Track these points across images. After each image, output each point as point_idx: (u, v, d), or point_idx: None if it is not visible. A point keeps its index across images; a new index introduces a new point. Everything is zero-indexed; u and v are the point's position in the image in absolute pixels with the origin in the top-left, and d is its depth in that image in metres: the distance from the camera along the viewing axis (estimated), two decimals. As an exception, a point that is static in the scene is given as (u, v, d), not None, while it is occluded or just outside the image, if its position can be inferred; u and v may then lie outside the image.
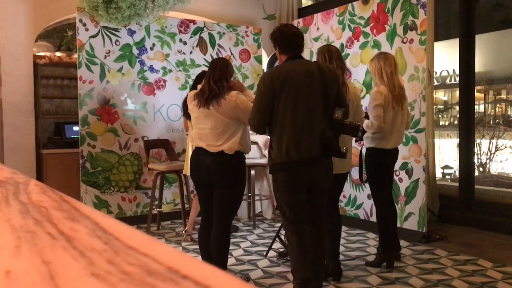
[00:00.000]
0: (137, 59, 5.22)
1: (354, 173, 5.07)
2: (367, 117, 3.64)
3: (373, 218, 3.93)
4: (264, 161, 5.03)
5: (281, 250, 4.08)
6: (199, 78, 4.37)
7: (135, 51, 5.20)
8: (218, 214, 3.12)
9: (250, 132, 3.17)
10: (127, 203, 5.17)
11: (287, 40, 2.85)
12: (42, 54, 5.68)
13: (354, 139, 3.61)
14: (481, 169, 5.98)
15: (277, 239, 4.10)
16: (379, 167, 3.72)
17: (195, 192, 4.62)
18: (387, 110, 3.59)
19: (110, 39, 5.05)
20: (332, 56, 3.27)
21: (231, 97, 3.00)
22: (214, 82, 3.03)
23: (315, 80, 2.75)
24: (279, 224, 4.25)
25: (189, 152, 4.37)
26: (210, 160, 3.04)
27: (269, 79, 2.76)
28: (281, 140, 2.75)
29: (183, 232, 4.57)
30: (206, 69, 4.63)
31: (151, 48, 5.30)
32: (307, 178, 2.81)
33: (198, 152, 3.11)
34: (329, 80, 2.79)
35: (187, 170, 4.41)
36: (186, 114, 4.37)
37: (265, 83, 2.76)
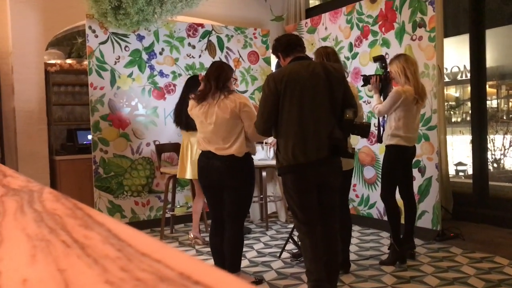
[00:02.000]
0: (147, 64, 5.25)
1: (367, 172, 5.06)
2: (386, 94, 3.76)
3: (387, 217, 3.93)
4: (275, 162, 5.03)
5: (294, 251, 4.07)
6: (191, 83, 4.39)
7: (144, 56, 5.23)
8: (231, 214, 3.14)
9: None
10: (140, 207, 5.20)
11: (285, 43, 2.90)
12: (53, 61, 5.74)
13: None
14: (495, 165, 5.92)
15: (290, 240, 4.10)
16: (395, 165, 3.76)
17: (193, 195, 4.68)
18: (411, 106, 3.65)
19: (120, 45, 5.09)
20: (330, 58, 3.30)
21: (238, 98, 3.06)
22: (210, 79, 3.10)
23: (321, 80, 2.74)
24: (292, 225, 4.24)
25: (185, 155, 4.40)
26: (220, 163, 3.06)
27: (272, 82, 2.76)
28: (288, 143, 2.75)
29: (190, 238, 4.58)
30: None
31: (160, 53, 5.33)
32: (315, 179, 2.81)
33: (207, 155, 3.13)
34: (335, 80, 2.78)
35: (182, 174, 4.43)
36: (179, 123, 4.42)
37: (269, 86, 2.76)
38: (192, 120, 3.35)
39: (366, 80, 3.93)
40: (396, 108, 3.64)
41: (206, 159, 3.14)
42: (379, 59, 3.94)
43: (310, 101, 2.72)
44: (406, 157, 3.79)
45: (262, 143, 5.19)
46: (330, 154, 2.75)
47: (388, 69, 3.81)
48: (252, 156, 3.21)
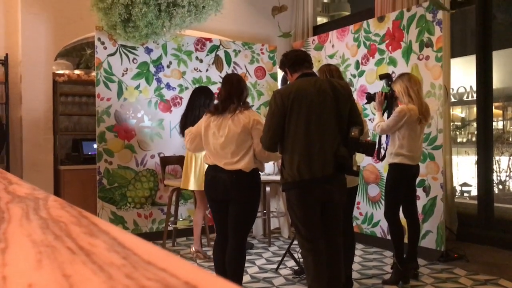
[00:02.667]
0: (154, 77, 5.29)
1: (371, 190, 5.03)
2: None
3: (390, 236, 3.90)
4: (279, 177, 5.02)
5: (295, 268, 4.04)
6: (198, 94, 4.42)
7: (152, 69, 5.27)
8: (233, 230, 3.13)
9: None
10: (143, 219, 5.19)
11: (293, 58, 2.92)
12: (61, 72, 5.80)
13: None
14: (500, 186, 5.88)
15: (288, 254, 4.07)
16: (398, 184, 3.75)
17: (196, 208, 4.66)
18: (415, 125, 3.67)
19: (128, 57, 5.13)
20: (333, 75, 3.30)
21: (253, 114, 3.09)
22: (227, 96, 3.11)
23: (328, 97, 2.74)
24: (290, 240, 4.22)
25: (189, 167, 4.39)
26: (227, 177, 3.06)
27: (280, 97, 2.76)
28: (293, 159, 2.74)
29: (192, 252, 4.55)
30: (219, 86, 4.69)
31: (168, 66, 5.37)
32: (320, 196, 2.79)
33: (215, 169, 3.13)
34: (342, 97, 2.78)
35: (185, 184, 4.43)
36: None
37: (276, 102, 2.77)
38: None
39: (370, 97, 3.94)
40: (400, 127, 3.64)
41: (213, 173, 3.15)
42: (385, 76, 3.95)
43: (316, 118, 2.72)
44: (409, 176, 3.79)
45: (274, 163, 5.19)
46: (335, 171, 2.75)
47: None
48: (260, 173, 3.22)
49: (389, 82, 3.88)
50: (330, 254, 2.86)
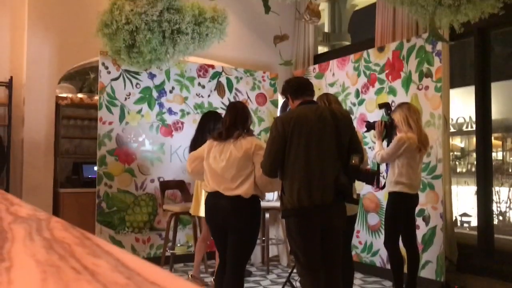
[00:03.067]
0: (156, 102, 5.34)
1: (371, 219, 5.01)
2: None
3: (389, 265, 3.86)
4: (279, 204, 5.00)
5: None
6: (208, 119, 4.45)
7: (154, 93, 5.32)
8: (232, 258, 3.09)
9: None
10: (140, 244, 5.15)
11: (295, 85, 2.97)
12: (64, 95, 5.85)
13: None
14: (500, 217, 5.86)
15: (288, 284, 4.02)
16: (398, 213, 3.75)
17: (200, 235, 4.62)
18: (414, 154, 3.70)
19: (131, 82, 5.19)
20: (331, 101, 3.35)
21: (255, 140, 3.11)
22: (232, 123, 3.13)
23: (328, 125, 2.76)
24: (290, 269, 4.17)
25: (200, 192, 4.37)
26: (227, 203, 3.04)
27: (281, 124, 2.79)
28: (293, 186, 2.74)
29: (189, 278, 4.50)
30: (222, 111, 4.72)
31: (171, 91, 5.42)
32: (320, 223, 2.78)
33: (215, 195, 3.12)
34: (342, 125, 2.81)
35: (196, 211, 4.40)
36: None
37: (277, 128, 2.79)
38: None
39: (370, 126, 3.97)
40: (400, 155, 3.66)
41: (213, 199, 3.14)
42: (385, 105, 3.99)
43: (316, 145, 2.73)
44: (409, 205, 3.79)
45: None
46: (335, 198, 2.74)
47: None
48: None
49: (388, 111, 3.92)
50: (329, 283, 2.83)
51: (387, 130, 3.84)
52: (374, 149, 3.98)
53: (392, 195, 3.76)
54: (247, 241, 3.11)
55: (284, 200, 2.83)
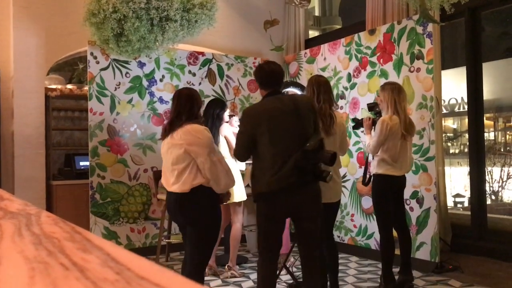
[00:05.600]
0: (147, 91, 5.29)
1: (365, 202, 5.04)
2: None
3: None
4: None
5: (289, 282, 4.02)
6: (209, 106, 4.42)
7: (145, 83, 5.28)
8: (188, 254, 3.05)
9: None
10: (136, 234, 5.15)
11: (265, 76, 3.03)
12: (53, 86, 5.79)
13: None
14: (493, 197, 5.91)
15: (284, 269, 4.05)
16: (385, 195, 3.74)
17: None
18: (396, 138, 3.64)
19: (121, 71, 5.14)
20: (320, 90, 3.36)
21: (193, 131, 2.90)
22: (175, 116, 2.98)
23: (291, 113, 2.89)
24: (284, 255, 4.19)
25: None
26: (172, 199, 3.00)
27: (247, 115, 2.96)
28: (261, 171, 2.88)
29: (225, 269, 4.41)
30: (212, 99, 4.69)
31: (161, 80, 5.38)
32: (288, 207, 2.89)
33: (167, 192, 3.10)
34: (304, 112, 2.92)
35: (237, 196, 4.30)
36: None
37: (246, 119, 2.96)
38: None
39: (358, 123, 3.96)
40: (385, 138, 3.62)
41: (167, 194, 3.11)
42: (372, 106, 3.96)
43: (281, 132, 2.86)
44: (395, 188, 3.75)
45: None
46: (299, 179, 2.82)
47: (378, 95, 3.83)
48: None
49: (377, 109, 3.87)
50: (306, 266, 2.97)
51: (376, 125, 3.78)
52: (365, 143, 3.95)
53: (376, 177, 3.73)
54: (200, 237, 2.97)
55: (254, 185, 2.96)
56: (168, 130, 2.98)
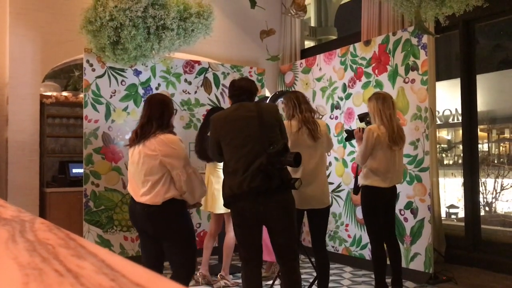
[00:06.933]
0: (143, 99, 5.29)
1: (359, 212, 5.03)
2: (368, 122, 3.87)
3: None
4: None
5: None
6: (211, 114, 4.42)
7: (140, 91, 5.28)
8: (174, 267, 3.02)
9: None
10: (129, 242, 5.12)
11: (233, 90, 3.14)
12: (49, 93, 5.78)
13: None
14: (487, 208, 5.93)
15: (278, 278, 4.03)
16: (373, 206, 3.68)
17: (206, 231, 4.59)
18: (383, 148, 3.61)
19: (116, 79, 5.14)
20: (300, 101, 3.50)
21: (167, 141, 2.84)
22: (145, 122, 2.92)
23: (254, 119, 2.94)
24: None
25: (213, 188, 4.29)
26: (140, 210, 2.89)
27: (212, 121, 3.07)
28: (227, 176, 2.96)
29: (198, 274, 4.38)
30: (208, 107, 4.70)
31: (157, 88, 5.38)
32: (254, 214, 2.86)
33: (132, 200, 3.00)
34: (268, 119, 2.97)
35: (210, 207, 4.34)
36: (200, 155, 4.37)
37: (211, 125, 3.09)
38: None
39: (350, 135, 3.95)
40: (372, 147, 3.61)
41: (132, 204, 3.01)
42: (363, 117, 3.98)
43: (244, 138, 2.91)
44: (384, 200, 3.68)
45: None
46: (263, 184, 2.82)
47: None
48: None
49: (367, 119, 3.88)
50: (286, 274, 2.98)
51: None
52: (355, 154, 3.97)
53: (364, 189, 3.69)
54: (173, 251, 2.93)
55: (222, 190, 3.00)
56: (139, 137, 2.90)
